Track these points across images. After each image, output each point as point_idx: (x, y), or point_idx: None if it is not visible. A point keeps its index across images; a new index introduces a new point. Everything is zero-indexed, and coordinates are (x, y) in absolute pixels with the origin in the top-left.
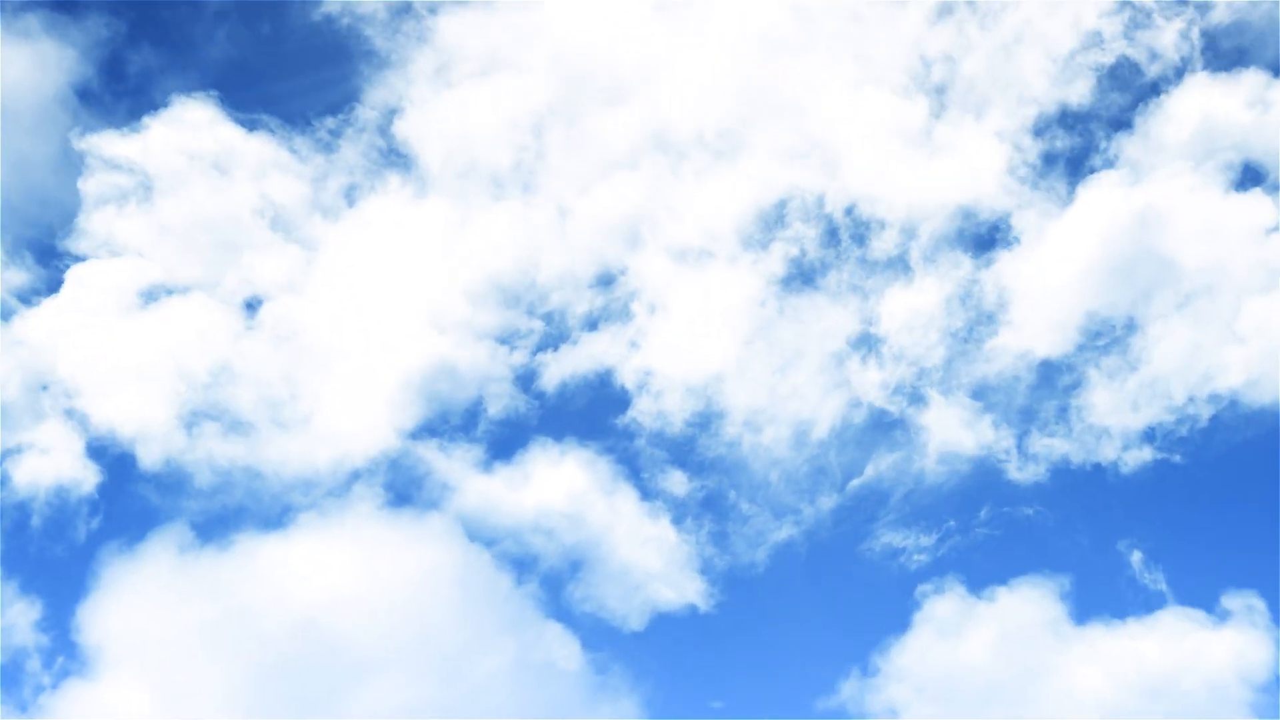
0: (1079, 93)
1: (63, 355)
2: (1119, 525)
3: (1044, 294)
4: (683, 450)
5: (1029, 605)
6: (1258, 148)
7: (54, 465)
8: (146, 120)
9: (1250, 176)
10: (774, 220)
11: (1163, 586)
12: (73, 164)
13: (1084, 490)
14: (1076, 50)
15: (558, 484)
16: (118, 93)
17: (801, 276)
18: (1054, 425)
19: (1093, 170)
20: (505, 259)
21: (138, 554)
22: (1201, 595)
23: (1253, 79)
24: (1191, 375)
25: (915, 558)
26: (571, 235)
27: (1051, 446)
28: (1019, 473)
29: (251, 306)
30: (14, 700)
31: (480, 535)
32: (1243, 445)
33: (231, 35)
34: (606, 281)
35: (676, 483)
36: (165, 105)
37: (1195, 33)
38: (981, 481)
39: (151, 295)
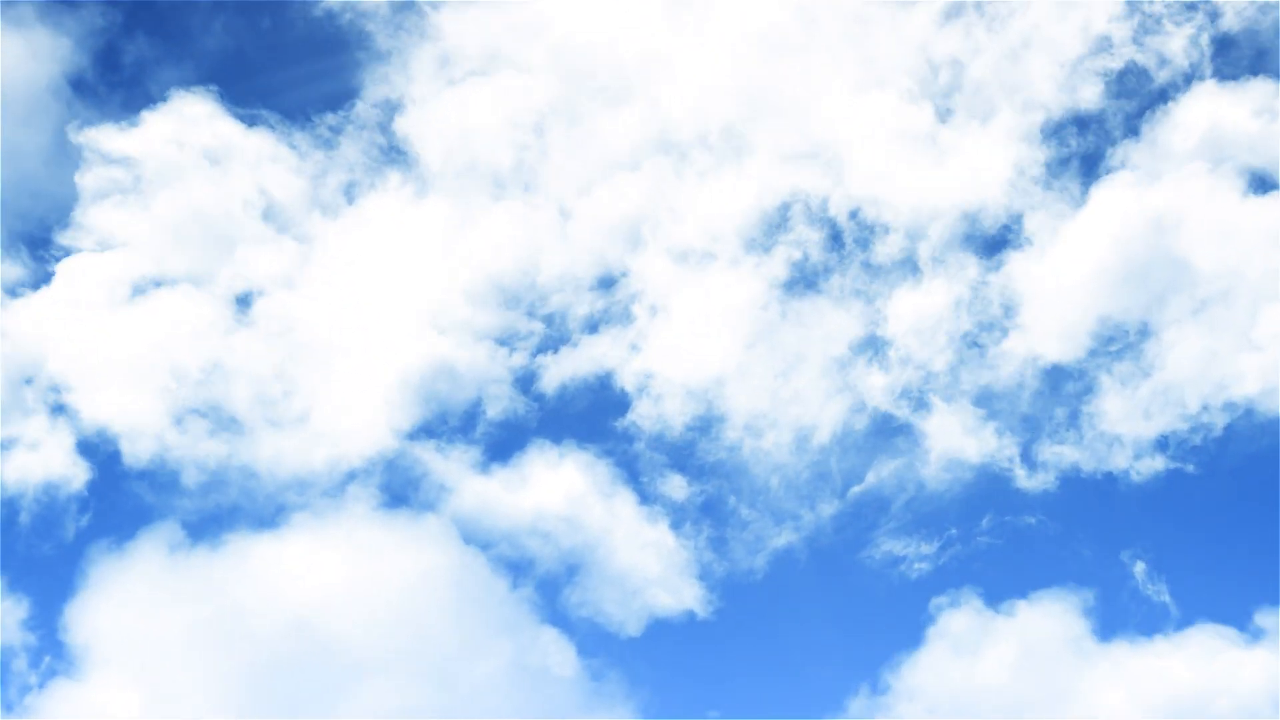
0: (1087, 97)
1: (53, 349)
2: (1129, 536)
3: (1055, 297)
4: (682, 454)
5: (1050, 621)
6: (1265, 156)
7: (43, 461)
8: (145, 114)
9: (1258, 185)
10: (777, 223)
11: (1188, 603)
12: (69, 157)
13: (1094, 499)
14: (1085, 55)
15: (556, 487)
16: (113, 84)
17: (804, 280)
18: (1064, 432)
19: (1108, 171)
20: (505, 259)
21: (127, 552)
22: (1233, 612)
23: (1261, 87)
24: (1206, 383)
25: (916, 566)
26: (572, 236)
27: (1061, 454)
28: (1028, 480)
29: (249, 303)
30: None
31: (476, 538)
32: (1257, 455)
33: (231, 29)
34: (607, 283)
35: (676, 487)
36: (164, 99)
37: (1205, 39)
38: (986, 489)
39: (145, 290)
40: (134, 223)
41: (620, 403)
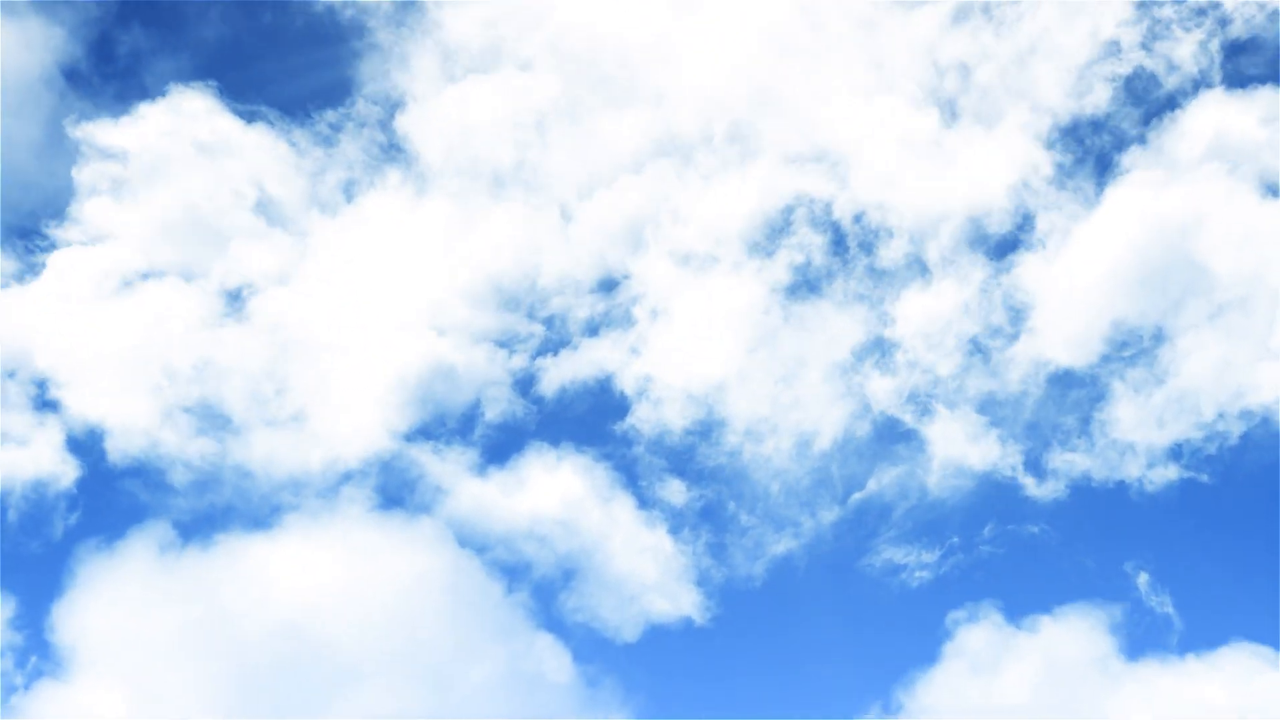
0: (1095, 103)
1: (43, 344)
2: (1139, 547)
3: (1068, 300)
4: (682, 459)
5: (1075, 637)
6: (1274, 163)
7: (32, 458)
8: (142, 107)
9: (1269, 191)
10: (780, 226)
11: (1217, 621)
12: (64, 150)
13: (1105, 509)
14: (1093, 60)
15: (553, 490)
16: (108, 76)
17: (807, 284)
18: (1075, 440)
19: (1122, 173)
20: (505, 260)
21: (117, 552)
22: (1264, 630)
23: (1269, 95)
24: (1222, 390)
25: (917, 575)
26: (574, 237)
27: (1072, 462)
28: (1037, 489)
29: (245, 301)
30: None
31: (472, 541)
32: (1274, 465)
33: (231, 23)
34: (609, 286)
35: (675, 492)
36: (162, 93)
37: (1214, 45)
38: (989, 497)
39: (137, 285)
40: (128, 217)
41: (620, 406)
